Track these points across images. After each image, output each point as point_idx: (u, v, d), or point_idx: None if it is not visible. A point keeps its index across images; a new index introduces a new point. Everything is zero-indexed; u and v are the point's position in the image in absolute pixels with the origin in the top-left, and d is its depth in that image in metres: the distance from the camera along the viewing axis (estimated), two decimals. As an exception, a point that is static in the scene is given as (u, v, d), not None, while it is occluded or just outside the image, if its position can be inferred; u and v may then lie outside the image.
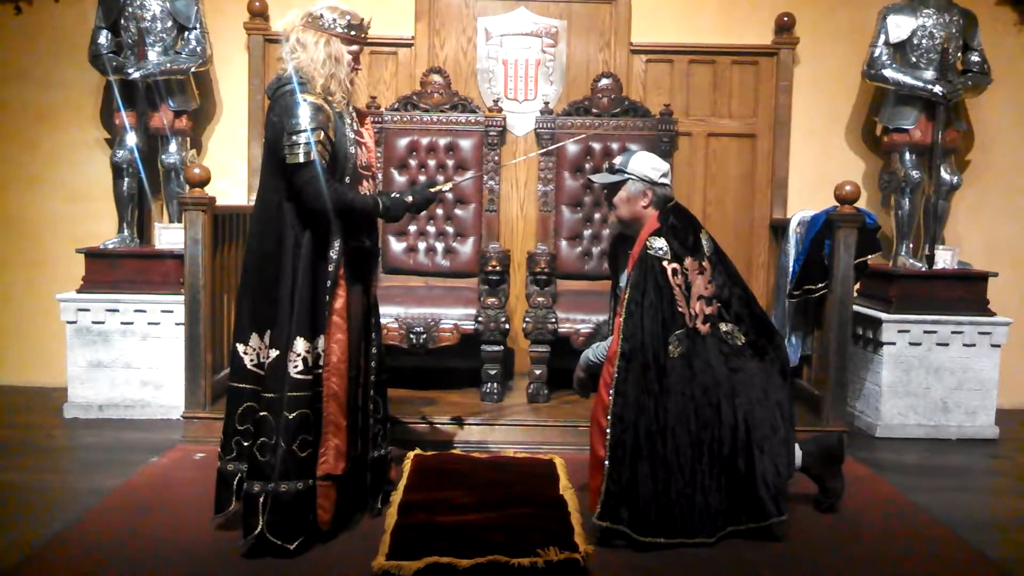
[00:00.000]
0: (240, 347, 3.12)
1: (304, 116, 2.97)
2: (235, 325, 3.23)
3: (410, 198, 3.27)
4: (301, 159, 2.96)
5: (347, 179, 3.11)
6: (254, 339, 3.10)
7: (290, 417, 3.01)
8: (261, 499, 2.99)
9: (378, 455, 3.41)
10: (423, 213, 5.07)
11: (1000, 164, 5.41)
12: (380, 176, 3.40)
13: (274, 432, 3.02)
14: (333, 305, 3.10)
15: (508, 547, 2.95)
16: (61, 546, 3.09)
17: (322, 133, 2.99)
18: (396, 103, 5.17)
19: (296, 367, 3.02)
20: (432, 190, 3.36)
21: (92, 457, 4.15)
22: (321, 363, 3.08)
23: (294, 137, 2.96)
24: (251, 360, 3.11)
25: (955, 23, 4.96)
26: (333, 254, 3.08)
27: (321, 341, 3.07)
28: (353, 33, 3.13)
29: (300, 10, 3.13)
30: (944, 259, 4.92)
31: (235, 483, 3.13)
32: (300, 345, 3.02)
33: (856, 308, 4.69)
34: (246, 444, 3.09)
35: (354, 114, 3.23)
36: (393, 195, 3.25)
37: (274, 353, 3.04)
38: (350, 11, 3.13)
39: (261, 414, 3.05)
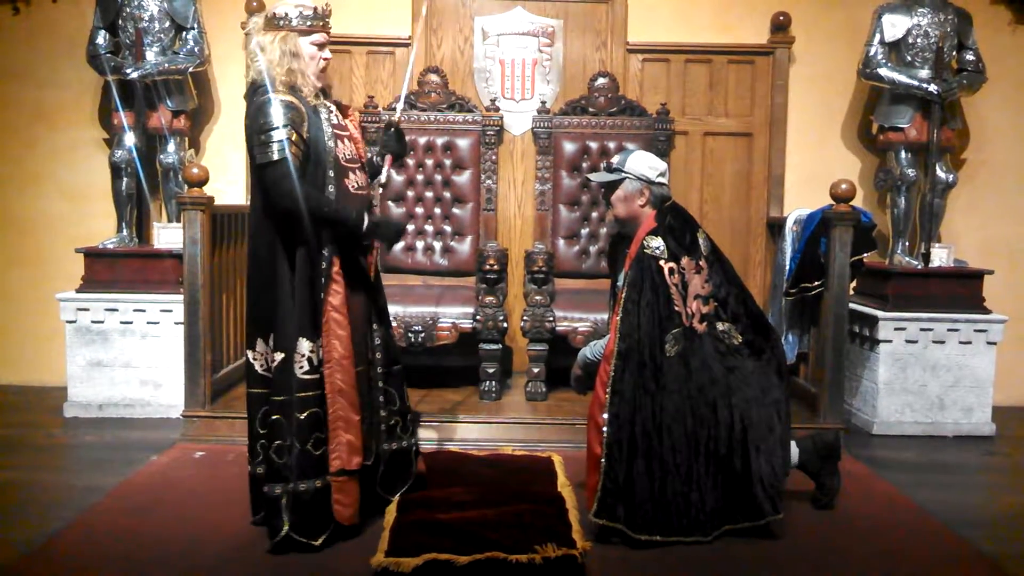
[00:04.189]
0: (250, 354, 3.15)
1: (275, 114, 2.97)
2: (245, 332, 3.27)
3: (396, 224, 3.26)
4: (274, 156, 2.96)
5: (331, 173, 3.08)
6: (260, 344, 3.12)
7: (301, 417, 3.03)
8: (283, 500, 3.02)
9: (397, 447, 3.40)
10: (421, 212, 5.15)
11: (995, 162, 5.43)
12: (387, 169, 3.40)
13: (288, 434, 3.03)
14: (331, 302, 3.10)
15: (506, 544, 2.97)
16: (61, 544, 3.10)
17: (294, 131, 2.98)
18: (393, 102, 5.17)
19: (302, 367, 3.04)
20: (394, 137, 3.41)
21: (92, 456, 4.17)
22: (324, 361, 3.10)
23: (263, 136, 2.97)
24: (261, 365, 3.13)
25: (950, 22, 4.97)
26: (326, 251, 3.08)
27: (322, 339, 3.09)
28: (309, 24, 3.09)
29: (261, 15, 3.14)
30: (940, 257, 4.94)
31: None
32: (304, 346, 3.04)
33: (852, 306, 4.71)
34: (265, 445, 3.12)
35: (333, 108, 3.21)
36: (382, 218, 3.22)
37: (279, 356, 3.05)
38: (303, 2, 3.10)
39: (274, 417, 3.06)
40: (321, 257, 3.08)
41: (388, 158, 3.46)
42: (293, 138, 2.97)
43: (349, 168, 3.17)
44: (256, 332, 3.14)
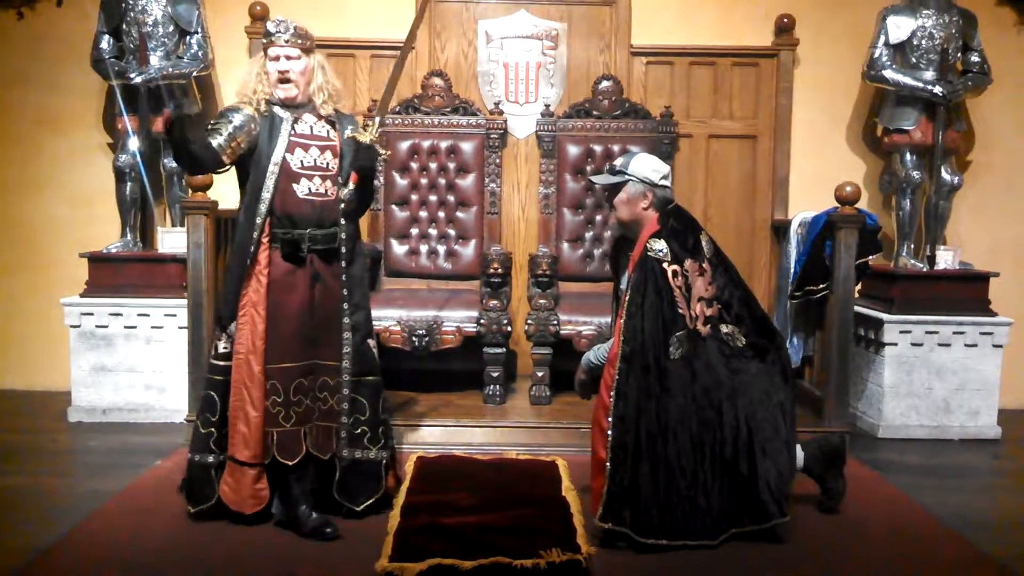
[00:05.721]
0: None
1: (225, 112, 3.28)
2: None
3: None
4: (210, 134, 3.22)
5: (271, 178, 3.24)
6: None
7: (201, 396, 3.39)
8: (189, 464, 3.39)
9: (361, 457, 3.37)
10: (424, 215, 5.15)
11: (1001, 164, 5.41)
12: (351, 186, 3.40)
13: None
14: (250, 297, 3.23)
15: (510, 549, 2.96)
16: (65, 549, 3.10)
17: (234, 128, 3.20)
18: (397, 106, 5.16)
19: (210, 352, 3.41)
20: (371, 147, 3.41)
21: (96, 461, 4.17)
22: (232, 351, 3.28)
23: (211, 123, 3.26)
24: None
25: (955, 23, 4.96)
26: (251, 247, 3.24)
27: (232, 329, 3.26)
28: (264, 41, 3.31)
29: None
30: (945, 259, 4.93)
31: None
32: (216, 331, 3.34)
33: (858, 309, 4.69)
34: None
35: (311, 119, 3.32)
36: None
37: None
38: (273, 20, 3.33)
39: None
40: (248, 253, 3.24)
41: (353, 175, 3.39)
42: (232, 132, 3.20)
43: (303, 175, 3.28)
44: None
